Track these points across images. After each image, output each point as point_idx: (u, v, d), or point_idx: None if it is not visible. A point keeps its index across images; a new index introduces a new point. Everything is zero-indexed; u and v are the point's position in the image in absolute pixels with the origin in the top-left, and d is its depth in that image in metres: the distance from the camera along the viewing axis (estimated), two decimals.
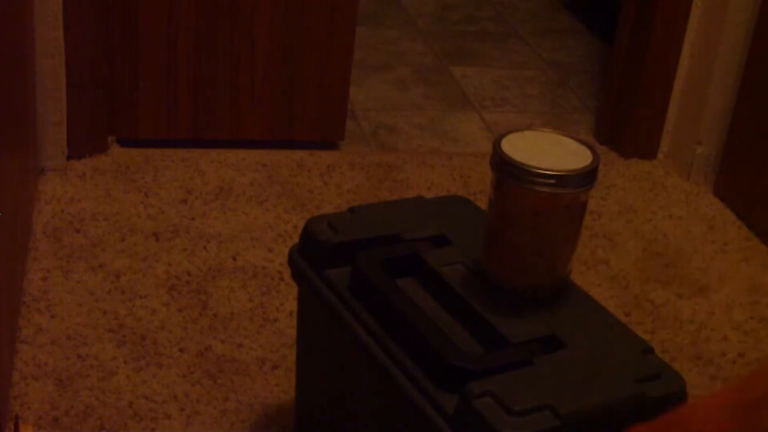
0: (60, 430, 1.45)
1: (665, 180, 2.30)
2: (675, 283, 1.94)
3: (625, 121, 2.38)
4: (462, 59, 2.88)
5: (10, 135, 1.55)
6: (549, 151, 1.18)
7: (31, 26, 1.89)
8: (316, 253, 1.29)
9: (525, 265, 1.20)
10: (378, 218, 1.34)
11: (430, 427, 1.08)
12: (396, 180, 2.17)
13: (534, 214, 1.16)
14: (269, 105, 2.19)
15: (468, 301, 1.19)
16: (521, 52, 2.98)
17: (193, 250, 1.86)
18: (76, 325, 1.64)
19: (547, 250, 1.19)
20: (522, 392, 1.05)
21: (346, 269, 1.26)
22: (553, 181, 1.14)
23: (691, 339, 1.78)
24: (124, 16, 2.06)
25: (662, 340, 1.77)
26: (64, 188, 2.00)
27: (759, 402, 0.33)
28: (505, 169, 1.15)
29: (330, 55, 2.19)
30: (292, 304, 1.73)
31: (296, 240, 1.36)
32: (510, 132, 1.20)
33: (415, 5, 3.26)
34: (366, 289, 1.22)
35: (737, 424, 0.33)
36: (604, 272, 1.94)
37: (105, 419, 1.47)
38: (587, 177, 1.15)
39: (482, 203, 1.35)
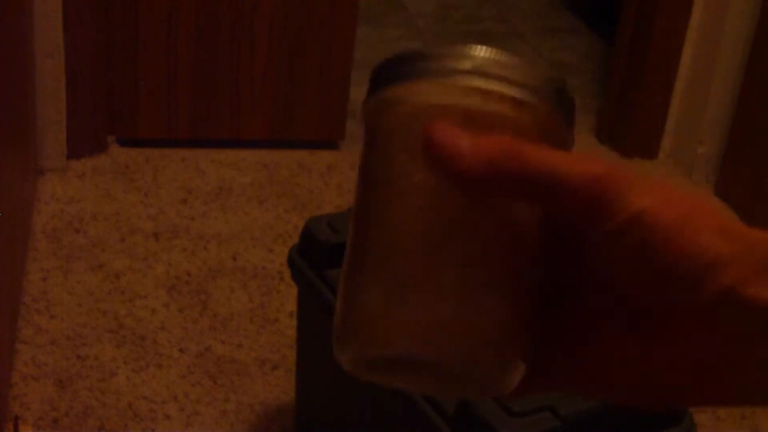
0: (60, 431, 1.44)
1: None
2: None
3: (626, 120, 2.37)
4: None
5: (10, 135, 1.55)
6: None
7: (31, 26, 1.88)
8: (316, 253, 1.29)
9: None
10: None
11: (430, 427, 1.08)
12: None
13: None
14: (269, 105, 2.19)
15: None
16: (522, 51, 2.97)
17: (193, 250, 1.85)
18: (76, 326, 1.64)
19: None
20: None
21: None
22: None
23: None
24: (124, 16, 2.06)
25: None
26: (64, 188, 1.99)
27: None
28: None
29: (330, 55, 2.18)
30: (292, 305, 1.72)
31: (296, 240, 1.36)
32: None
33: (416, 4, 3.25)
34: None
35: None
36: None
37: (105, 420, 1.47)
38: None
39: None
